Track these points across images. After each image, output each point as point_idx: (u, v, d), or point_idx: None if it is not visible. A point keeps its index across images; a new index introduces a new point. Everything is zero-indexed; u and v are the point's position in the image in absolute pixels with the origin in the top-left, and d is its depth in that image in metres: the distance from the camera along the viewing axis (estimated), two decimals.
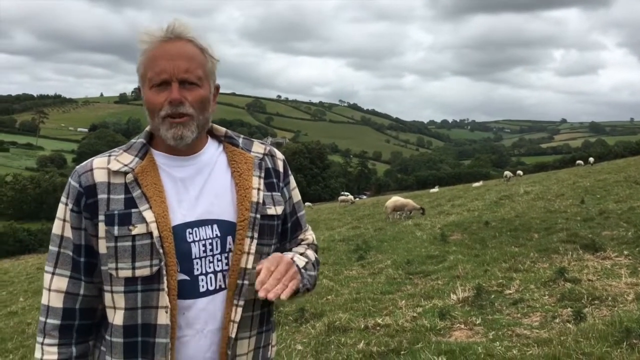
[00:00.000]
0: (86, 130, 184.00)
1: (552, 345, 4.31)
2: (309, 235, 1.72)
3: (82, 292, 1.44)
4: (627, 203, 12.67)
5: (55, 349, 1.41)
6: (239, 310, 1.43)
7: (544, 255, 8.19)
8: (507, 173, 39.10)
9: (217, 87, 1.52)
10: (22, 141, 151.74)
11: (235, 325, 1.43)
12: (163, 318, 1.37)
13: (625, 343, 4.13)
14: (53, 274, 1.45)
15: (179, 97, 1.38)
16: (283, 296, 1.34)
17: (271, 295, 1.33)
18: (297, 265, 1.45)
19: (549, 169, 62.54)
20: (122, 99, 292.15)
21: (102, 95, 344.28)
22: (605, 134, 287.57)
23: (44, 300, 1.45)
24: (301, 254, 1.56)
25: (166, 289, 1.36)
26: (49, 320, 1.43)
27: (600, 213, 11.47)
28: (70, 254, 1.43)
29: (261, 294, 1.33)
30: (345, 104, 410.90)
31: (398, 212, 19.52)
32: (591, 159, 43.04)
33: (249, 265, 1.44)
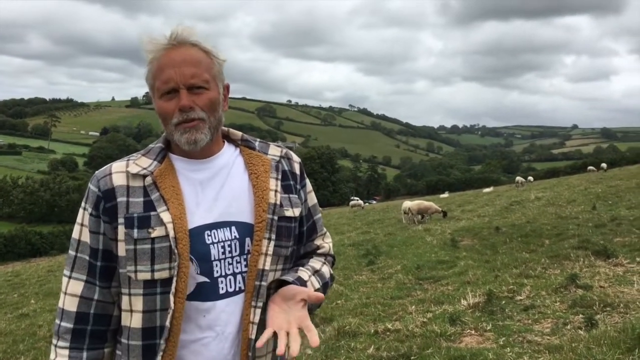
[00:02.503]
0: (97, 134, 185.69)
1: (564, 351, 4.28)
2: (327, 243, 1.72)
3: (96, 297, 1.45)
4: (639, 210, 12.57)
5: (66, 352, 1.42)
6: (258, 311, 1.43)
7: (555, 261, 8.14)
8: (519, 179, 38.83)
9: (227, 87, 1.54)
10: (34, 144, 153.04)
11: (255, 327, 1.43)
12: (168, 320, 1.37)
13: (637, 350, 4.09)
14: (70, 277, 1.46)
15: (187, 104, 1.40)
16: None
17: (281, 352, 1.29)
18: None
19: (560, 175, 62.07)
20: (134, 103, 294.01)
21: (113, 99, 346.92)
22: (617, 140, 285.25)
23: (60, 303, 1.47)
24: (316, 272, 1.57)
25: (173, 290, 1.36)
26: (62, 324, 1.44)
27: (612, 219, 11.38)
28: (87, 258, 1.45)
29: (279, 352, 1.29)
30: (355, 109, 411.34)
31: (420, 215, 19.50)
32: (604, 165, 42.67)
33: (267, 267, 1.45)
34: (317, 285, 1.54)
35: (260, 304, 1.44)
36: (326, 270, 1.63)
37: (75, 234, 1.48)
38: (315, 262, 1.63)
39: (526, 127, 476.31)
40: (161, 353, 1.37)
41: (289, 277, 1.47)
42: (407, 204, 20.27)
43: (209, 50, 1.46)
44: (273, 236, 1.47)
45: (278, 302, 1.41)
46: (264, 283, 1.45)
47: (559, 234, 10.59)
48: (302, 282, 1.48)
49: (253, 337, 1.43)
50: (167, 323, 1.37)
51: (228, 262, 1.44)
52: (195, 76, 1.41)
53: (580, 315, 5.22)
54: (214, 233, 1.44)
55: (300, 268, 1.56)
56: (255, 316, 1.43)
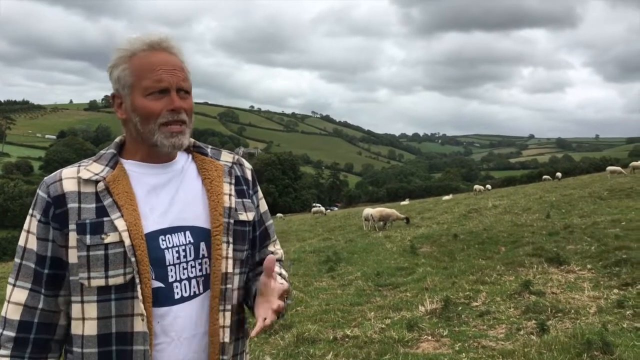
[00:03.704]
0: (54, 137, 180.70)
1: (516, 356, 4.41)
2: (279, 249, 1.75)
3: (40, 305, 1.42)
4: (591, 218, 12.96)
5: None
6: (227, 314, 1.46)
7: (510, 268, 8.33)
8: (478, 187, 39.71)
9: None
10: None
11: (227, 330, 1.45)
12: (139, 325, 1.36)
13: (586, 355, 4.25)
14: (14, 285, 1.43)
15: (180, 105, 1.44)
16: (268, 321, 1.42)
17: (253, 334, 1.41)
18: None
19: (517, 184, 63.55)
20: (92, 106, 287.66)
21: (71, 102, 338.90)
22: (571, 150, 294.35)
23: (2, 311, 1.44)
24: (279, 275, 1.60)
25: (140, 297, 1.36)
26: (5, 332, 1.41)
27: (565, 227, 11.71)
28: (33, 266, 1.42)
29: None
30: (318, 116, 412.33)
31: (382, 222, 19.65)
32: (559, 174, 43.86)
33: (230, 270, 1.47)
34: (286, 275, 1.62)
35: (228, 307, 1.46)
36: (285, 273, 1.66)
37: (21, 242, 1.45)
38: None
39: (485, 136, 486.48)
40: (148, 358, 1.37)
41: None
42: (369, 210, 20.42)
43: (185, 61, 1.51)
44: (231, 239, 1.49)
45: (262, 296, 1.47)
46: (229, 286, 1.47)
47: (514, 241, 10.84)
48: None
49: (226, 340, 1.45)
50: (144, 328, 1.36)
51: (183, 266, 1.44)
52: (185, 80, 1.47)
53: (533, 321, 5.36)
54: (169, 238, 1.44)
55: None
56: (226, 319, 1.45)
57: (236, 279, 1.52)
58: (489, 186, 46.30)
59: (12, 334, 1.41)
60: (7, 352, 1.40)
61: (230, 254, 1.48)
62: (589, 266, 7.74)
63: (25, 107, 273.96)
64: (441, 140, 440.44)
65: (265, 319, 1.41)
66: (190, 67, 1.53)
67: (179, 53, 1.50)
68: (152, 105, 1.44)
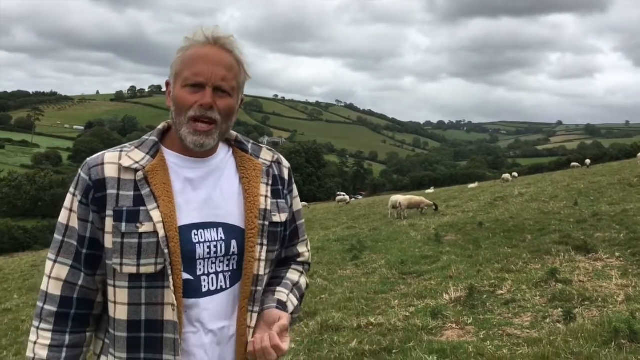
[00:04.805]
0: (82, 127, 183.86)
1: (542, 344, 4.37)
2: (307, 251, 1.76)
3: (80, 282, 1.45)
4: (620, 205, 12.75)
5: (49, 335, 1.44)
6: (254, 316, 1.48)
7: (537, 256, 8.25)
8: (506, 176, 39.10)
9: (242, 100, 1.57)
10: (17, 138, 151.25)
11: (251, 331, 1.47)
12: (170, 315, 1.39)
13: (613, 343, 4.19)
14: (55, 261, 1.47)
15: (210, 102, 1.42)
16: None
17: None
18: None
19: (545, 171, 62.59)
20: (119, 96, 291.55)
21: (98, 93, 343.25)
22: (600, 136, 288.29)
23: (43, 286, 1.47)
24: (295, 285, 1.63)
25: (172, 288, 1.39)
26: (46, 307, 1.45)
27: (593, 215, 11.54)
28: (75, 243, 1.45)
29: None
30: (342, 104, 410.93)
31: (411, 210, 19.58)
32: (587, 161, 43.11)
33: (261, 272, 1.49)
34: (296, 302, 1.59)
35: (257, 309, 1.49)
36: (303, 281, 1.68)
37: (62, 219, 1.48)
38: (294, 274, 1.67)
39: (511, 123, 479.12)
40: (178, 347, 1.40)
41: (271, 303, 1.52)
42: (397, 197, 20.23)
43: (242, 61, 1.49)
44: (265, 242, 1.51)
45: (262, 327, 1.48)
46: (259, 288, 1.49)
47: (541, 229, 10.72)
48: (283, 305, 1.54)
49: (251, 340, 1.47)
50: (175, 318, 1.39)
51: (212, 261, 1.46)
52: (225, 80, 1.44)
53: (559, 309, 5.31)
54: (201, 232, 1.46)
55: (278, 288, 1.59)
56: (252, 321, 1.47)
57: (266, 278, 1.54)
58: (515, 174, 45.67)
59: (54, 308, 1.45)
60: (50, 326, 1.44)
61: (264, 256, 1.50)
62: (617, 254, 7.63)
63: (53, 98, 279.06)
64: (467, 128, 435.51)
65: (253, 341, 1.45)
66: (250, 71, 1.53)
67: (235, 52, 1.48)
68: (185, 97, 1.44)
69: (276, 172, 1.62)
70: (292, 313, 1.56)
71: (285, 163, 1.69)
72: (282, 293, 1.57)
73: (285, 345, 1.41)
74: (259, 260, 1.49)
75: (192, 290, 1.43)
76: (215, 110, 1.44)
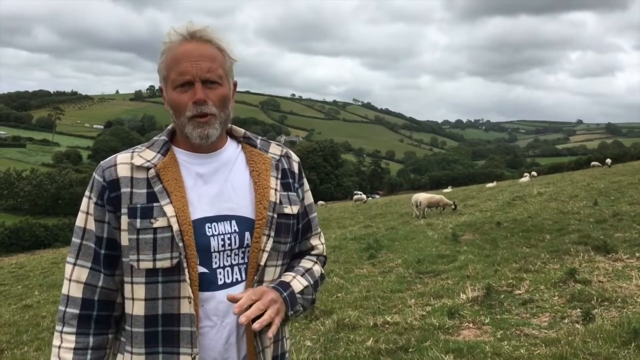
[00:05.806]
0: (101, 127, 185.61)
1: (560, 345, 4.33)
2: (320, 244, 1.76)
3: (100, 283, 1.48)
4: None
5: (73, 338, 1.46)
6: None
7: (555, 256, 8.16)
8: (524, 180, 38.59)
9: (235, 84, 1.58)
10: (38, 137, 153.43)
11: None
12: (186, 308, 1.42)
13: (632, 344, 4.14)
14: (74, 264, 1.50)
15: (203, 97, 1.44)
16: (270, 333, 1.39)
17: (256, 326, 1.36)
18: (285, 297, 1.48)
19: (564, 170, 61.93)
20: (138, 96, 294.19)
21: (117, 92, 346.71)
22: (621, 135, 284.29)
23: (64, 290, 1.50)
24: (307, 271, 1.62)
25: (188, 280, 1.41)
26: (68, 310, 1.48)
27: (614, 215, 11.39)
28: (92, 245, 1.49)
29: (242, 320, 1.35)
30: (359, 103, 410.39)
31: (431, 208, 19.47)
32: (608, 161, 42.48)
33: (265, 262, 1.50)
34: (305, 283, 1.58)
35: None
36: (317, 269, 1.68)
37: (80, 222, 1.51)
38: (307, 262, 1.68)
39: (530, 122, 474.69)
40: (195, 340, 1.42)
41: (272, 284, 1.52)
42: (420, 196, 20.07)
43: (223, 48, 1.50)
44: (272, 233, 1.52)
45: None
46: (266, 279, 1.51)
47: (560, 229, 10.61)
48: (284, 285, 1.52)
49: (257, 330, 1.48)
50: (192, 311, 1.41)
51: (227, 254, 1.48)
52: (210, 71, 1.45)
53: (578, 310, 5.26)
54: (214, 226, 1.48)
55: (286, 272, 1.60)
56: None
57: (277, 270, 1.56)
58: (534, 173, 45.26)
59: (76, 311, 1.47)
60: (73, 329, 1.47)
61: (269, 247, 1.51)
62: (637, 254, 7.52)
63: (73, 98, 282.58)
64: (485, 127, 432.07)
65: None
66: (234, 54, 1.53)
67: (214, 41, 1.49)
68: (179, 98, 1.47)
69: (286, 166, 1.64)
70: (301, 293, 1.54)
71: (295, 157, 1.70)
72: (288, 275, 1.57)
73: (244, 301, 1.37)
74: (263, 250, 1.50)
75: (208, 283, 1.45)
76: (209, 104, 1.46)
